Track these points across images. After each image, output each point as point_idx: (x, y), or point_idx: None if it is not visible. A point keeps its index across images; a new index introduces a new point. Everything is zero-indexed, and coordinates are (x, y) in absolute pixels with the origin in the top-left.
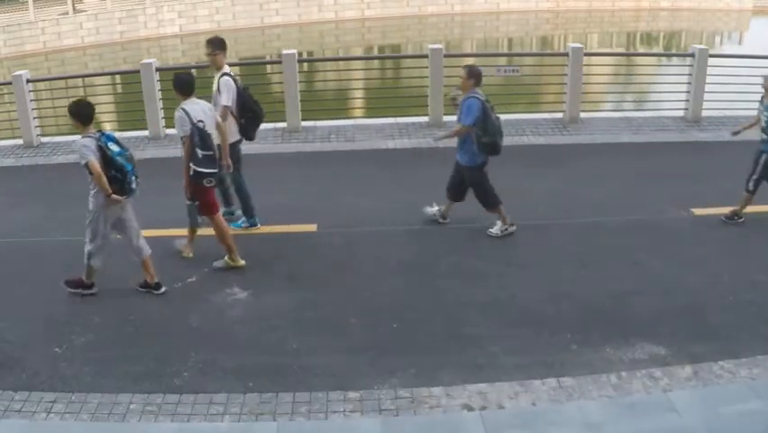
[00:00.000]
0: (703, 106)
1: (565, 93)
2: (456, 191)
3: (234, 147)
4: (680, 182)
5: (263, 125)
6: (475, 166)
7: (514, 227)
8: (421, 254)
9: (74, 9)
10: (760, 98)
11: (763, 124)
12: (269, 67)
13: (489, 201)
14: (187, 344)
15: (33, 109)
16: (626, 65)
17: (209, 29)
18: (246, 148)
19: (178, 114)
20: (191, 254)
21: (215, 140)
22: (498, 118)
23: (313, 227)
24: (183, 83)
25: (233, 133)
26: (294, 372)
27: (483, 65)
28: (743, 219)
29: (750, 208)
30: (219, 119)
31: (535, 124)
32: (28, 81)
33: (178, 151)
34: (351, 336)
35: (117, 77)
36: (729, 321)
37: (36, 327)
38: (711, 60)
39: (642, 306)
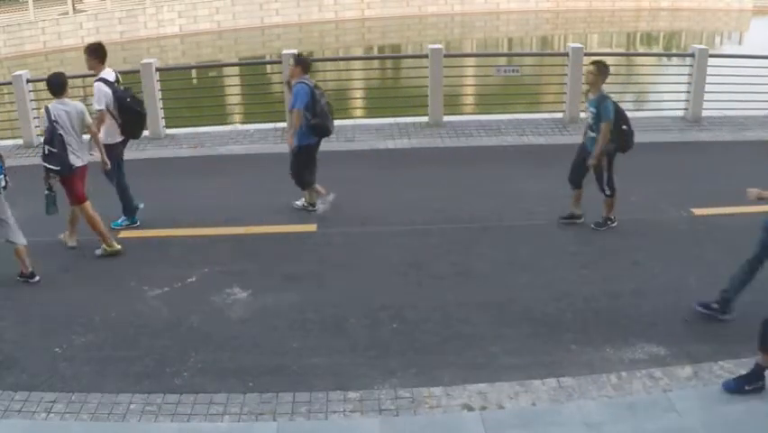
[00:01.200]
0: (703, 106)
1: (565, 93)
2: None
3: (115, 148)
4: (680, 182)
5: (264, 125)
6: (302, 146)
7: (316, 209)
8: (421, 254)
9: (74, 9)
10: None
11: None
12: (269, 67)
13: (304, 181)
14: (187, 344)
15: (33, 109)
16: (626, 65)
17: (209, 29)
18: (246, 148)
19: (43, 111)
20: (74, 244)
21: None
22: (327, 103)
23: (313, 227)
24: (53, 84)
25: (114, 135)
26: (294, 372)
27: (483, 65)
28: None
29: (750, 208)
30: (89, 121)
31: (535, 124)
32: (28, 81)
33: (178, 150)
34: (351, 336)
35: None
36: (729, 321)
37: (36, 327)
38: (711, 60)
39: (642, 306)
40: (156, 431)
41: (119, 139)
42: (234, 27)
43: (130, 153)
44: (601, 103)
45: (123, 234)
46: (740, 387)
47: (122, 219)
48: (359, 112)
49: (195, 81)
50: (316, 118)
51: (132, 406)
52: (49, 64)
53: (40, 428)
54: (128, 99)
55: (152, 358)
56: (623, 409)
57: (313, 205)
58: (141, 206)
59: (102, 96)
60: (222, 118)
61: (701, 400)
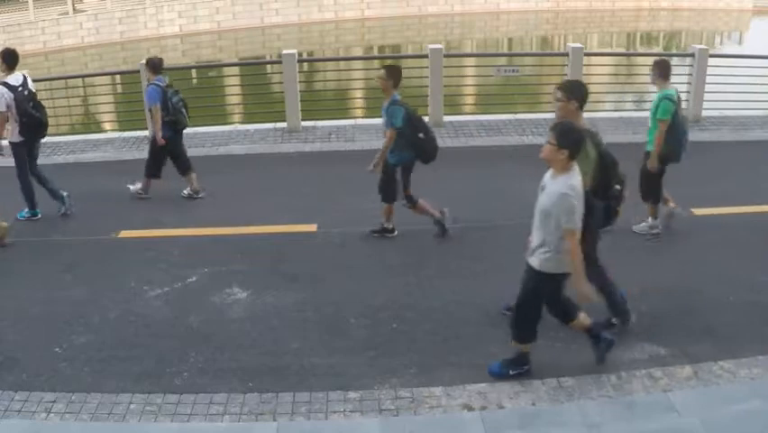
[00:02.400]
0: (703, 106)
1: None
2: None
3: (19, 146)
4: (680, 182)
5: (264, 125)
6: (165, 139)
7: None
8: (421, 254)
9: (74, 9)
10: None
11: None
12: (269, 67)
13: (152, 169)
14: (187, 344)
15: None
16: (626, 65)
17: (209, 29)
18: (247, 148)
19: None
20: None
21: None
22: (180, 100)
23: (313, 227)
24: None
25: (15, 135)
26: (294, 372)
27: (483, 65)
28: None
29: (751, 209)
30: None
31: (535, 124)
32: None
33: None
34: (351, 336)
35: (117, 77)
36: (729, 321)
37: (36, 327)
38: (711, 60)
39: (642, 306)
40: (156, 431)
41: (20, 139)
42: (234, 27)
43: (130, 153)
44: (389, 109)
45: (124, 234)
46: (504, 372)
47: (25, 211)
48: (359, 112)
49: (195, 81)
50: (169, 115)
51: (132, 406)
52: (49, 64)
53: (40, 428)
54: (29, 104)
55: (152, 358)
56: (623, 409)
57: (197, 192)
58: (65, 193)
59: (2, 99)
60: (222, 118)
61: (701, 400)
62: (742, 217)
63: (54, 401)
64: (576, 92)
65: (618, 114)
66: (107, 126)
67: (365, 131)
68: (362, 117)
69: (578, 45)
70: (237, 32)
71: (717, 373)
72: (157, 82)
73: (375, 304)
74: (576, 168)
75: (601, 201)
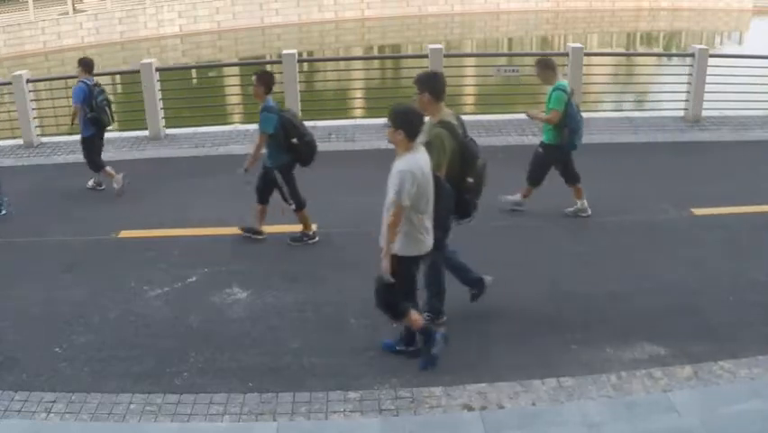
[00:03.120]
0: (703, 106)
1: None
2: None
3: None
4: (680, 182)
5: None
6: (85, 137)
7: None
8: None
9: (74, 9)
10: None
11: None
12: (269, 67)
13: (95, 164)
14: (187, 344)
15: (33, 109)
16: (626, 65)
17: (209, 29)
18: (247, 148)
19: None
20: None
21: None
22: (104, 99)
23: (313, 227)
24: None
25: None
26: (294, 372)
27: (483, 65)
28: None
29: (751, 209)
30: None
31: (535, 123)
32: (28, 81)
33: (179, 150)
34: (351, 336)
35: (117, 77)
36: (729, 321)
37: (36, 327)
38: (711, 60)
39: (642, 306)
40: (156, 431)
41: None
42: (234, 27)
43: (130, 153)
44: (262, 114)
45: (124, 234)
46: (392, 347)
47: None
48: (359, 112)
49: (195, 81)
50: (92, 112)
51: (132, 406)
52: (49, 64)
53: (40, 428)
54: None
55: (152, 358)
56: (623, 409)
57: (99, 185)
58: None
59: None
60: (222, 118)
61: (701, 400)
62: (742, 217)
63: (54, 401)
64: (427, 84)
65: (618, 113)
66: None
67: (365, 131)
68: (362, 117)
69: (578, 45)
70: (237, 32)
71: (717, 373)
72: (86, 81)
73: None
74: (421, 150)
75: (458, 192)
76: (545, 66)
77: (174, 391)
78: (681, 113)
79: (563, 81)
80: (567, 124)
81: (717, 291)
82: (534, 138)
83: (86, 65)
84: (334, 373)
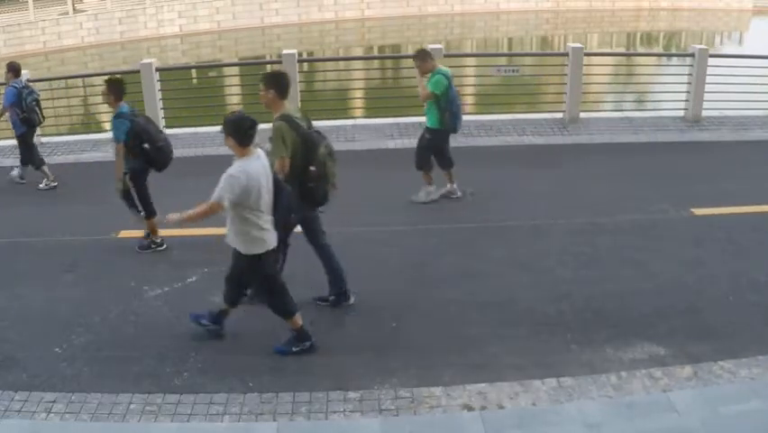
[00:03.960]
0: (703, 106)
1: (565, 93)
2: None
3: None
4: (680, 182)
5: (263, 125)
6: (18, 135)
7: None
8: (421, 254)
9: (74, 9)
10: None
11: None
12: (269, 67)
13: (32, 161)
14: (187, 344)
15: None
16: (626, 65)
17: (209, 29)
18: None
19: None
20: None
21: None
22: (34, 100)
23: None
24: None
25: None
26: (294, 372)
27: (483, 65)
28: None
29: (751, 209)
30: None
31: (535, 124)
32: (28, 81)
33: (179, 150)
34: (351, 336)
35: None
36: (729, 321)
37: (36, 327)
38: (711, 60)
39: (642, 306)
40: (156, 431)
41: None
42: (234, 27)
43: None
44: (113, 122)
45: (124, 233)
46: (287, 350)
47: None
48: (359, 112)
49: (195, 81)
50: (24, 113)
51: (132, 406)
52: (49, 64)
53: (40, 428)
54: None
55: (152, 358)
56: (623, 409)
57: (21, 178)
58: None
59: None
60: (222, 118)
61: (701, 400)
62: (742, 217)
63: (54, 401)
64: (272, 82)
65: (618, 113)
66: (108, 126)
67: (365, 131)
68: (362, 117)
69: (578, 45)
70: (237, 32)
71: (717, 373)
72: (15, 84)
73: (375, 304)
74: (257, 155)
75: (302, 181)
76: (424, 56)
77: (174, 391)
78: (681, 113)
79: (445, 68)
80: (448, 108)
81: (717, 291)
82: (534, 138)
83: (13, 69)
84: (334, 373)
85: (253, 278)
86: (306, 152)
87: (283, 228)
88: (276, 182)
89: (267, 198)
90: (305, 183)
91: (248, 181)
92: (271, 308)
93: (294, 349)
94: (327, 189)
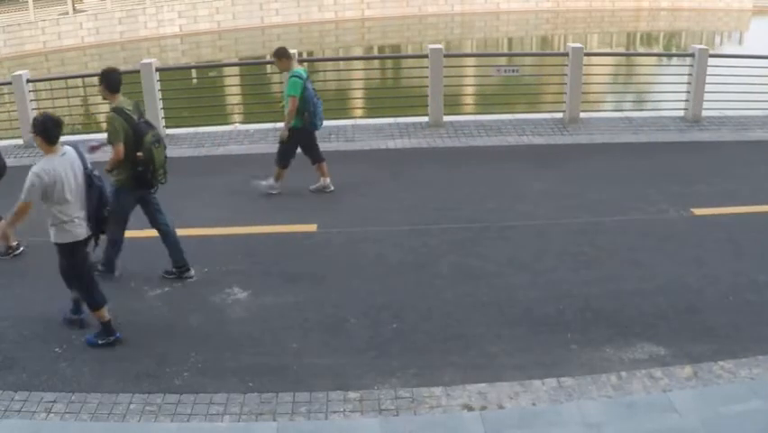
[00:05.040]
0: (703, 106)
1: (565, 93)
2: None
3: None
4: (680, 182)
5: (264, 125)
6: None
7: None
8: (421, 254)
9: (74, 9)
10: None
11: None
12: (269, 67)
13: None
14: (187, 344)
15: (33, 109)
16: (626, 65)
17: (209, 29)
18: (246, 148)
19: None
20: None
21: None
22: None
23: (313, 227)
24: None
25: None
26: (294, 372)
27: (483, 65)
28: None
29: (751, 209)
30: None
31: (535, 124)
32: (28, 81)
33: (179, 150)
34: (351, 336)
35: None
36: (729, 321)
37: (36, 327)
38: (711, 60)
39: (642, 306)
40: (156, 431)
41: None
42: (234, 27)
43: None
44: None
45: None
46: (95, 341)
47: None
48: (359, 112)
49: (195, 81)
50: None
51: (132, 406)
52: (49, 64)
53: (40, 427)
54: None
55: (152, 358)
56: (623, 409)
57: None
58: None
59: None
60: (222, 118)
61: (701, 400)
62: (742, 217)
63: (54, 401)
64: (103, 79)
65: (618, 113)
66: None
67: (365, 131)
68: (362, 117)
69: (578, 45)
70: (237, 32)
71: (717, 373)
72: None
73: (375, 304)
74: (63, 151)
75: (132, 166)
76: (282, 55)
77: (174, 391)
78: (681, 113)
79: (300, 68)
80: (306, 107)
81: (717, 291)
82: (534, 138)
83: None
84: (334, 373)
85: (63, 265)
86: (135, 140)
87: (96, 222)
88: (90, 178)
89: (73, 192)
90: (135, 167)
91: (49, 179)
92: (82, 298)
93: (100, 342)
94: (157, 174)
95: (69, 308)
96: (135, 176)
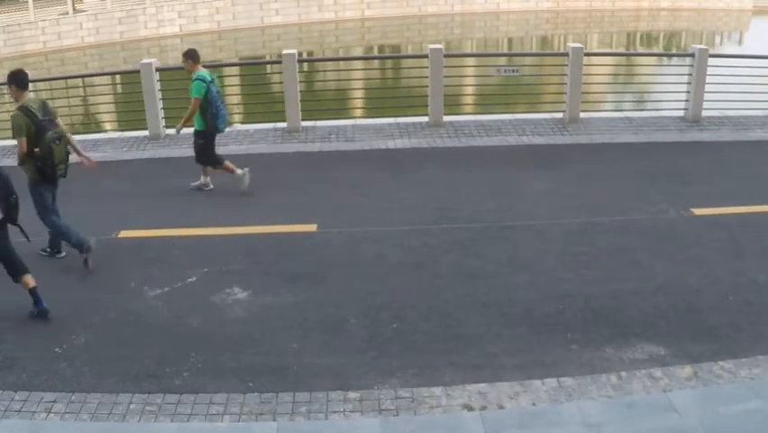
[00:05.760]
0: (703, 106)
1: (565, 93)
2: None
3: None
4: (680, 182)
5: (264, 125)
6: None
7: None
8: (421, 254)
9: (74, 9)
10: None
11: None
12: (269, 67)
13: None
14: (187, 344)
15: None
16: (626, 65)
17: (209, 29)
18: (246, 148)
19: None
20: None
21: None
22: None
23: (313, 227)
24: None
25: None
26: (294, 372)
27: (483, 65)
28: None
29: (751, 209)
30: None
31: (535, 124)
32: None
33: (179, 150)
34: (351, 336)
35: (117, 77)
36: (729, 321)
37: (36, 327)
38: (711, 60)
39: (642, 306)
40: (156, 431)
41: None
42: (234, 27)
43: (130, 153)
44: None
45: (123, 234)
46: (32, 313)
47: None
48: (359, 112)
49: None
50: None
51: (132, 406)
52: (49, 64)
53: (40, 427)
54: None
55: (152, 358)
56: (623, 409)
57: None
58: None
59: None
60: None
61: (701, 400)
62: (742, 217)
63: (54, 401)
64: (13, 80)
65: (618, 113)
66: (107, 126)
67: (365, 131)
68: (362, 117)
69: (578, 45)
70: (237, 32)
71: (717, 373)
72: None
73: (375, 304)
74: None
75: (34, 160)
76: (190, 57)
77: (174, 391)
78: (681, 113)
79: (203, 72)
80: (209, 109)
81: (717, 291)
82: (534, 138)
83: None
84: (334, 373)
85: None
86: (36, 136)
87: (5, 209)
88: None
89: None
90: (36, 161)
91: None
92: (7, 270)
93: (33, 311)
94: (56, 169)
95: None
96: (38, 170)
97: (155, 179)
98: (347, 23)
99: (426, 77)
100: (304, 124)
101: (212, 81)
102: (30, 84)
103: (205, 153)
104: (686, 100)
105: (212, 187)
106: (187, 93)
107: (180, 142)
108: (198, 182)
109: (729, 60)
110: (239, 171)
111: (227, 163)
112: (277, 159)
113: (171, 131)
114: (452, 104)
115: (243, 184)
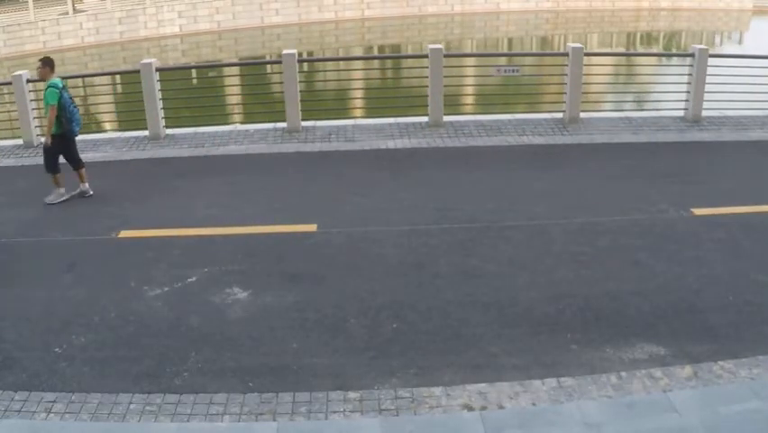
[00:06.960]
0: (703, 106)
1: (565, 93)
2: None
3: None
4: (680, 182)
5: (264, 125)
6: None
7: None
8: (421, 254)
9: (74, 9)
10: None
11: None
12: (269, 67)
13: None
14: (187, 344)
15: (33, 109)
16: (626, 65)
17: (209, 29)
18: (246, 148)
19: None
20: None
21: None
22: None
23: (313, 227)
24: None
25: None
26: (294, 372)
27: (483, 65)
28: None
29: (751, 209)
30: None
31: (535, 124)
32: (28, 81)
33: (179, 150)
34: (351, 336)
35: (117, 77)
36: (729, 321)
37: (36, 327)
38: (711, 60)
39: (642, 306)
40: (156, 431)
41: None
42: (234, 27)
43: (130, 153)
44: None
45: (123, 234)
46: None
47: None
48: (359, 112)
49: (195, 81)
50: None
51: (132, 406)
52: None
53: (40, 427)
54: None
55: (152, 358)
56: (623, 409)
57: None
58: None
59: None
60: (222, 118)
61: (701, 400)
62: (742, 217)
63: (54, 401)
64: (46, 63)
65: (618, 113)
66: (107, 126)
67: (365, 131)
68: (362, 117)
69: (578, 45)
70: (237, 32)
71: (717, 373)
72: None
73: (375, 304)
74: None
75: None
76: (44, 64)
77: (174, 391)
78: (681, 113)
79: (56, 79)
80: (63, 114)
81: (717, 291)
82: (534, 138)
83: None
84: (334, 373)
85: None
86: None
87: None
88: None
89: None
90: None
91: None
92: None
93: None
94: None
95: None
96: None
97: (155, 179)
98: (347, 22)
99: (426, 77)
100: (304, 124)
101: (64, 88)
102: (30, 84)
103: (49, 157)
104: (686, 100)
105: (92, 193)
106: (186, 93)
107: (180, 142)
108: (78, 190)
109: (729, 60)
110: (62, 190)
111: (58, 177)
112: (277, 159)
113: (172, 131)
114: (452, 104)
115: (52, 200)
